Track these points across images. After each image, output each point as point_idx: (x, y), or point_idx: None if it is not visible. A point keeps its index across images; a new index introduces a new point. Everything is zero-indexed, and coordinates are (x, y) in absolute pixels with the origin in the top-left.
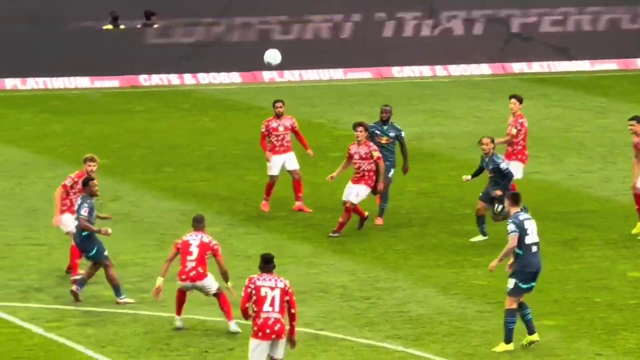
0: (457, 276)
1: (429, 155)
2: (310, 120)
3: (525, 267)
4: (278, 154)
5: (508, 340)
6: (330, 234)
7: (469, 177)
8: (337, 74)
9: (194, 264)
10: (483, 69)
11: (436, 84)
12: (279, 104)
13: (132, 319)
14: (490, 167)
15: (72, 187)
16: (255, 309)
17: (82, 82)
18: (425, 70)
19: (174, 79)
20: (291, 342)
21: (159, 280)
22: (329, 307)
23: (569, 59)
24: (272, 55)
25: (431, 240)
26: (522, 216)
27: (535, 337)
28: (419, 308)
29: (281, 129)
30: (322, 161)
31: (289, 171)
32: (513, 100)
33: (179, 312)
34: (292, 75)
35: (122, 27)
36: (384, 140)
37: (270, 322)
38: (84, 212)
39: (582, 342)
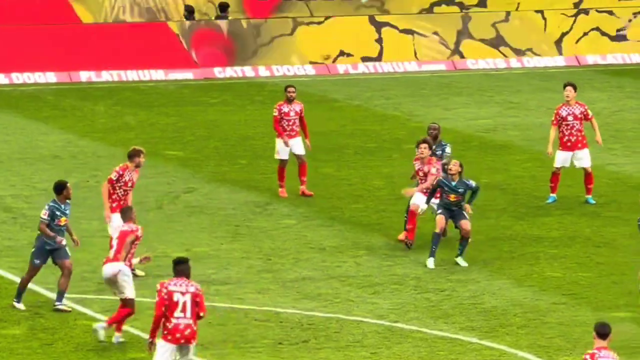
0: (531, 268)
1: (502, 147)
2: (385, 113)
3: None
4: (289, 139)
5: None
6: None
7: (424, 207)
8: (411, 66)
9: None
10: (557, 60)
11: (510, 75)
12: (291, 89)
13: (207, 310)
14: (462, 190)
15: (117, 180)
16: (166, 314)
17: (157, 74)
18: (499, 62)
19: (248, 71)
20: None
21: None
22: (403, 299)
23: None
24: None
25: (505, 232)
26: None
27: None
28: (493, 300)
29: (292, 113)
30: (396, 153)
31: (296, 155)
32: (569, 88)
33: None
34: (366, 68)
35: (197, 19)
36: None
37: (181, 327)
38: (45, 214)
39: None
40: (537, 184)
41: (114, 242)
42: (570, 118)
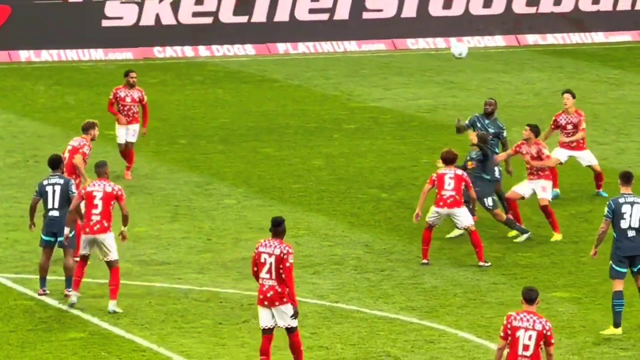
0: (472, 248)
1: (443, 127)
2: (324, 93)
3: (618, 250)
4: (122, 124)
5: (615, 323)
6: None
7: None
8: (351, 45)
9: (98, 217)
10: (497, 40)
11: (450, 55)
12: (133, 74)
13: (147, 291)
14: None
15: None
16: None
17: (96, 54)
18: (439, 42)
19: (188, 51)
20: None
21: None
22: (343, 280)
23: (583, 30)
24: (459, 48)
25: None
26: (624, 199)
27: (617, 331)
28: (433, 280)
29: (128, 99)
30: (337, 133)
31: (126, 141)
32: (567, 95)
33: (76, 286)
34: (306, 47)
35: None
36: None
37: (264, 289)
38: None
39: (597, 314)
40: None
41: (98, 202)
42: (569, 127)
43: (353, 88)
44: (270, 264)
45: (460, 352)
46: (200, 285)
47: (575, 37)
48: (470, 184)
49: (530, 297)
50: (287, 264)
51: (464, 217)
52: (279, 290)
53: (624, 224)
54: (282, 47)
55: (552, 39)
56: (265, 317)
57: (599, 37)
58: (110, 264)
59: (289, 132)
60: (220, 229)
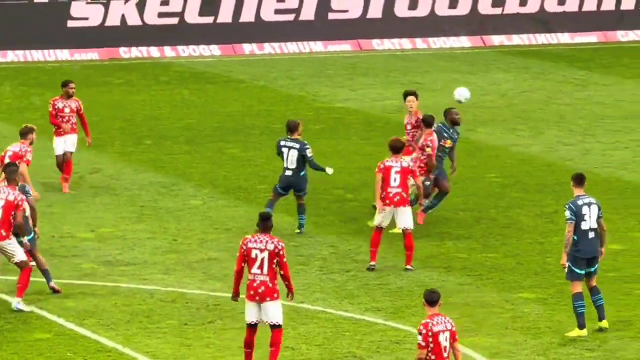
0: (437, 249)
1: None
2: (290, 93)
3: (578, 253)
4: (60, 136)
5: (579, 325)
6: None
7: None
8: (317, 46)
9: None
10: (463, 41)
11: (416, 56)
12: (72, 85)
13: (112, 291)
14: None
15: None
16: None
17: (62, 54)
18: (405, 43)
19: (153, 51)
20: (290, 295)
21: None
22: (308, 280)
23: (549, 31)
24: (463, 94)
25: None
26: (581, 200)
27: (603, 324)
28: (399, 281)
29: (67, 110)
30: (303, 134)
31: (65, 151)
32: (411, 97)
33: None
34: (271, 48)
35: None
36: (448, 143)
37: (255, 284)
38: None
39: (562, 315)
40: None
41: None
42: (409, 127)
43: (318, 89)
44: (262, 259)
45: None
46: (166, 286)
47: (541, 38)
48: (417, 174)
49: (432, 299)
50: (285, 260)
51: (406, 217)
52: (270, 285)
53: (584, 225)
54: (247, 48)
55: (517, 39)
56: (251, 312)
57: (564, 37)
58: (20, 265)
59: (255, 132)
60: (186, 230)
